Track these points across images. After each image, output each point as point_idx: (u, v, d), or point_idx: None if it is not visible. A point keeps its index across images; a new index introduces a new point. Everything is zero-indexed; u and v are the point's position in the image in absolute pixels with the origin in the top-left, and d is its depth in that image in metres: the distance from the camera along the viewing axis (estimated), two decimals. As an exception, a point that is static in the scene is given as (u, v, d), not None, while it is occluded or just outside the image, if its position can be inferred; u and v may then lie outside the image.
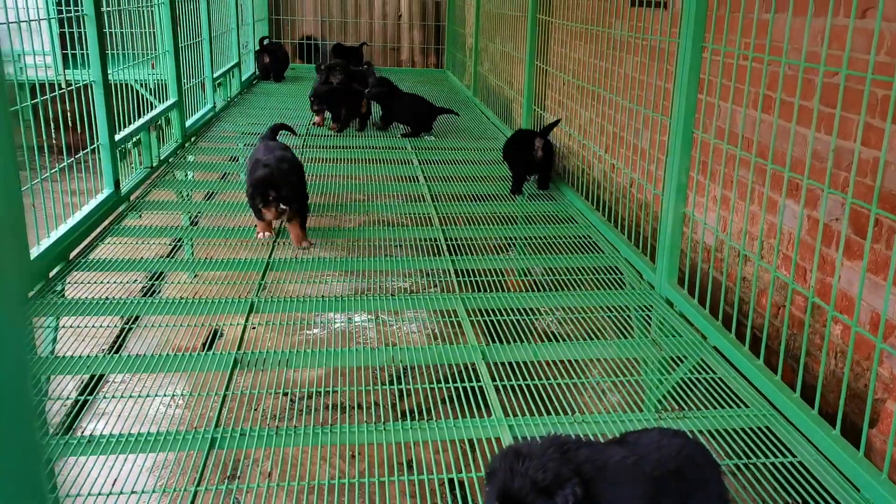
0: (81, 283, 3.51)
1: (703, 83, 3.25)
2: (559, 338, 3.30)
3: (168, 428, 3.09)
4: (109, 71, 4.32)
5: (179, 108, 5.91)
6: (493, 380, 2.80)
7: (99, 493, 2.16)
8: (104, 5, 4.35)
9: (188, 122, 6.21)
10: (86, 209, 3.98)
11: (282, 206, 3.92)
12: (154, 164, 5.19)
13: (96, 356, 2.89)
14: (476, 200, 5.04)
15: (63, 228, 3.66)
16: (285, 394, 3.94)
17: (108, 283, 3.53)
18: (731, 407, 2.65)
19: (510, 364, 2.95)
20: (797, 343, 3.18)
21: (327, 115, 7.08)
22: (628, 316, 3.39)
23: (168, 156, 5.57)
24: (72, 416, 3.65)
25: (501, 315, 3.35)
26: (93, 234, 4.00)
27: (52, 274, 3.50)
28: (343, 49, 10.05)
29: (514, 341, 3.12)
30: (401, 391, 3.71)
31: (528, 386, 2.82)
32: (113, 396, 3.02)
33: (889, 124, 2.18)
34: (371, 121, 7.19)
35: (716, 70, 3.42)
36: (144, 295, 4.22)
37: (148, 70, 5.97)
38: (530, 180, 5.35)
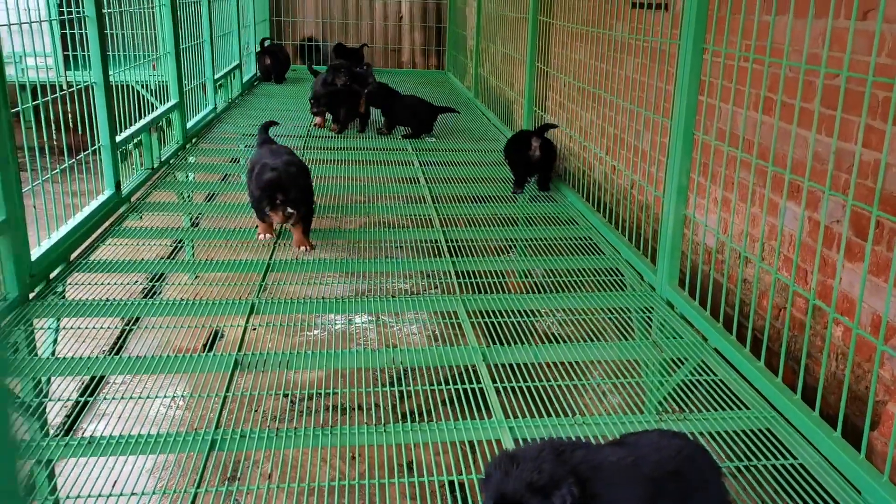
0: (82, 284, 3.51)
1: (703, 85, 3.25)
2: (560, 339, 3.30)
3: (168, 429, 3.09)
4: (111, 72, 4.33)
5: (180, 110, 5.92)
6: (494, 381, 2.80)
7: (99, 495, 2.16)
8: (105, 7, 4.36)
9: (189, 124, 6.21)
10: (87, 210, 3.98)
11: (289, 209, 3.90)
12: (155, 166, 5.19)
13: (97, 357, 2.89)
14: (477, 202, 5.04)
15: (64, 229, 3.66)
16: (286, 395, 3.94)
17: (108, 284, 3.53)
18: (731, 409, 2.65)
19: (511, 366, 2.95)
20: (798, 345, 3.18)
21: (328, 116, 7.09)
22: (629, 318, 3.38)
23: (169, 157, 5.57)
24: (72, 417, 3.65)
25: (502, 317, 3.35)
26: (94, 236, 4.00)
27: (52, 275, 3.50)
28: (344, 49, 10.07)
29: (515, 343, 3.12)
30: (401, 393, 3.71)
31: (528, 388, 2.82)
32: (113, 398, 3.02)
33: (890, 126, 2.18)
34: (373, 124, 7.19)
35: (716, 72, 3.42)
36: (145, 296, 4.22)
37: (149, 71, 5.97)
38: (531, 182, 5.37)
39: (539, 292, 3.65)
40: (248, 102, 8.36)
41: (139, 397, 2.79)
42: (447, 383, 2.89)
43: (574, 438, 2.45)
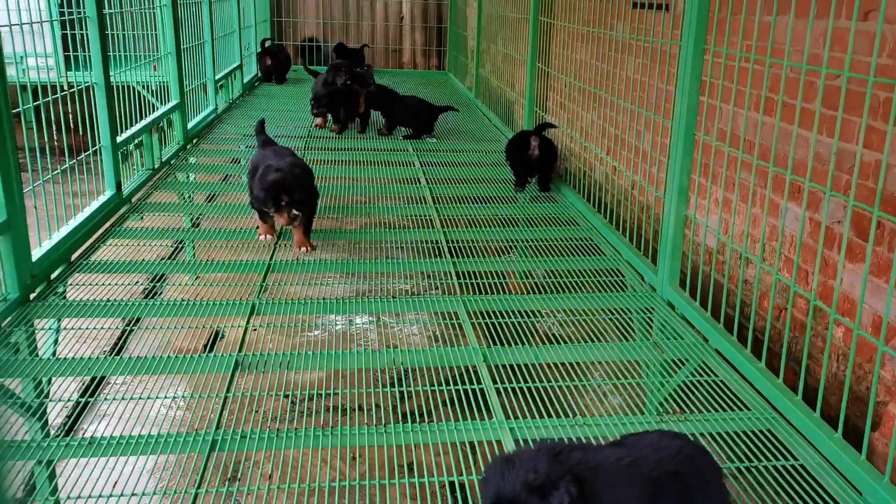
0: (83, 284, 3.51)
1: (704, 85, 3.25)
2: (560, 340, 3.29)
3: (169, 430, 3.09)
4: (111, 73, 4.33)
5: (181, 110, 5.92)
6: (494, 382, 2.80)
7: (100, 496, 2.16)
8: (106, 7, 4.36)
9: (190, 124, 6.22)
10: (87, 211, 3.98)
11: (294, 211, 3.90)
12: (156, 166, 5.20)
13: (98, 358, 2.89)
14: (477, 202, 5.04)
15: (65, 230, 3.66)
16: (286, 396, 3.94)
17: (109, 284, 3.53)
18: (732, 410, 2.64)
19: (511, 366, 2.95)
20: (799, 346, 3.17)
21: (329, 116, 7.10)
22: (630, 318, 3.38)
23: (170, 158, 5.58)
24: (73, 417, 3.65)
25: (503, 317, 3.35)
26: (94, 236, 4.00)
27: (53, 276, 3.50)
28: (345, 50, 10.08)
29: (516, 343, 3.12)
30: (402, 393, 3.70)
31: (529, 388, 2.82)
32: (114, 398, 3.03)
33: (891, 127, 2.18)
34: (374, 125, 7.19)
35: (717, 72, 3.42)
36: (146, 297, 4.22)
37: (150, 72, 5.98)
38: (532, 182, 5.38)
39: (540, 293, 3.65)
40: (249, 103, 8.37)
41: (140, 398, 2.79)
42: (448, 384, 2.89)
43: (575, 439, 2.45)
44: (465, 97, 9.34)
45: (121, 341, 4.39)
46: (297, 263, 3.86)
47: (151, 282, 4.16)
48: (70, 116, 3.84)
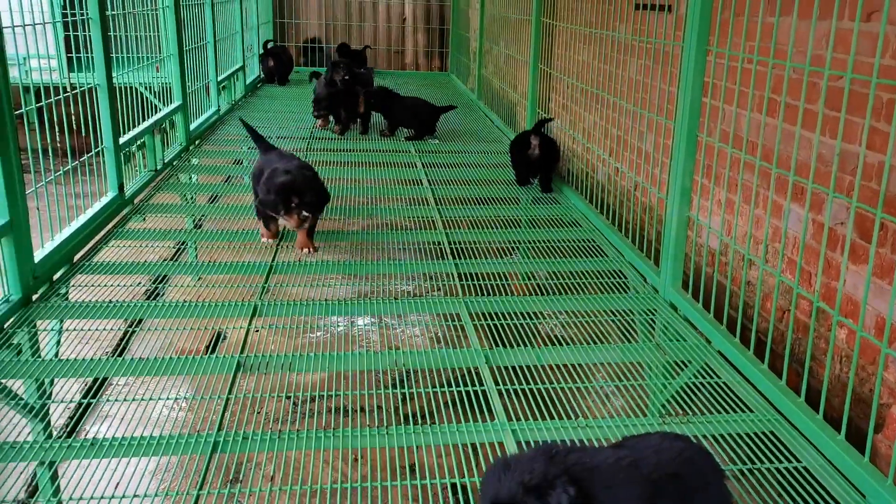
0: (85, 286, 3.51)
1: (707, 86, 3.24)
2: (563, 342, 3.29)
3: (171, 431, 3.09)
4: (114, 74, 4.33)
5: (184, 112, 5.93)
6: (497, 384, 2.79)
7: (102, 497, 2.16)
8: (109, 9, 4.37)
9: (192, 126, 6.22)
10: (90, 212, 3.99)
11: (304, 212, 3.89)
12: (158, 168, 5.20)
13: (100, 359, 2.89)
14: (480, 204, 5.04)
15: (67, 231, 3.67)
16: (288, 397, 3.94)
17: (111, 286, 3.53)
18: (735, 412, 2.64)
19: (513, 368, 2.94)
20: (802, 347, 3.17)
21: (331, 118, 7.10)
22: (632, 320, 3.38)
23: (172, 159, 5.58)
24: (75, 418, 3.66)
25: (505, 319, 3.35)
26: (97, 238, 4.00)
27: (56, 277, 3.50)
28: (348, 50, 10.09)
29: (518, 345, 3.12)
30: (403, 395, 3.70)
31: (531, 390, 2.81)
32: (116, 399, 3.03)
33: (894, 128, 2.17)
34: (377, 126, 7.19)
35: (720, 73, 3.41)
36: (148, 298, 4.22)
37: (152, 73, 5.99)
38: (534, 183, 5.39)
39: (542, 294, 3.64)
40: (252, 104, 8.38)
41: (142, 399, 2.80)
42: (450, 385, 2.89)
43: (577, 441, 2.44)
44: (468, 98, 9.34)
45: (123, 342, 4.39)
46: (299, 265, 3.86)
47: (153, 283, 4.16)
48: (73, 118, 3.84)
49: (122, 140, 4.46)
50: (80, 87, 4.10)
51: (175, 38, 5.79)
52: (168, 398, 2.88)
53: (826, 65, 2.44)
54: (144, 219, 4.47)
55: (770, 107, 3.35)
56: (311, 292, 3.66)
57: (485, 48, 8.91)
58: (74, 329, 3.19)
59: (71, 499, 2.15)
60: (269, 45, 9.99)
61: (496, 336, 3.23)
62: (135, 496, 2.15)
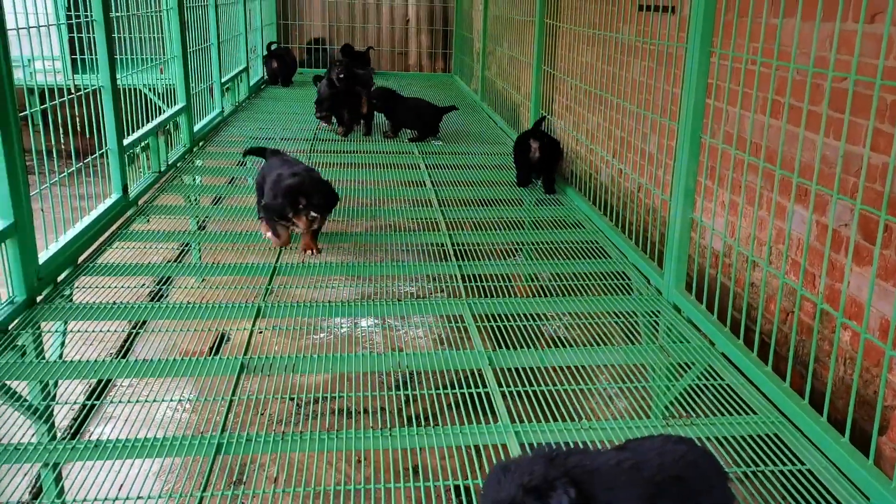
0: (89, 287, 3.52)
1: (710, 88, 3.24)
2: (566, 343, 3.29)
3: (175, 432, 3.09)
4: (118, 76, 4.34)
5: (188, 113, 5.94)
6: (500, 385, 2.79)
7: (105, 498, 2.16)
8: (113, 10, 4.37)
9: (196, 127, 6.24)
10: (94, 214, 4.00)
11: (313, 213, 3.89)
12: (162, 169, 5.21)
13: (104, 361, 2.90)
14: (483, 205, 5.04)
15: (71, 233, 3.68)
16: (291, 399, 3.94)
17: (115, 287, 3.54)
18: (739, 414, 2.64)
19: (517, 370, 2.94)
20: (806, 349, 3.16)
21: (334, 119, 7.11)
22: (636, 322, 3.37)
23: (176, 160, 5.59)
24: (79, 420, 3.66)
25: (508, 320, 3.35)
26: (101, 239, 4.01)
27: (60, 278, 3.51)
28: (351, 51, 10.10)
29: (521, 347, 3.11)
30: (407, 397, 3.70)
31: (534, 392, 2.81)
32: (120, 401, 3.02)
33: (898, 130, 2.17)
34: (380, 128, 7.19)
35: (724, 74, 3.41)
36: (152, 299, 4.23)
37: (156, 75, 6.00)
38: (537, 184, 5.40)
39: (545, 296, 3.64)
40: (255, 106, 8.39)
41: (146, 400, 2.79)
42: (453, 387, 2.89)
43: (581, 443, 2.44)
44: (471, 99, 9.34)
45: (127, 344, 4.40)
46: (303, 266, 3.87)
47: (157, 284, 4.17)
48: (77, 119, 3.85)
49: (126, 142, 4.47)
50: (85, 89, 4.11)
51: (179, 40, 5.80)
52: (172, 400, 2.89)
53: (830, 66, 2.44)
54: (148, 220, 4.48)
55: (773, 108, 3.34)
56: (314, 294, 3.66)
57: (488, 49, 8.91)
58: (78, 330, 3.19)
59: (75, 500, 2.16)
60: (273, 47, 10.00)
61: (499, 338, 3.23)
62: (139, 498, 2.16)
